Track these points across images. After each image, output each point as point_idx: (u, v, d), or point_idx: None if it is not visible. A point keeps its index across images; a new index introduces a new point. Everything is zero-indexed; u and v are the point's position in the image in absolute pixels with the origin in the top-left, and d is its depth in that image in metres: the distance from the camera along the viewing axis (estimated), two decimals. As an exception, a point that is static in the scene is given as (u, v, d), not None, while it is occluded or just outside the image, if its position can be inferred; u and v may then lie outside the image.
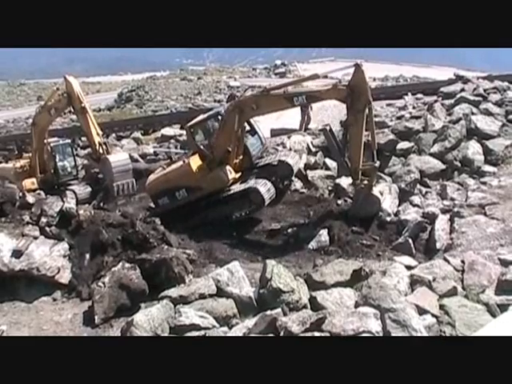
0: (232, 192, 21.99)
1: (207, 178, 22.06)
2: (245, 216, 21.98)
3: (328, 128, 20.80)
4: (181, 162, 22.96)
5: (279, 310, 12.91)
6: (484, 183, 21.54)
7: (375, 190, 19.97)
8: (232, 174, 22.17)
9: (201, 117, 23.69)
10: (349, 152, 19.86)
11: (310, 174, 24.98)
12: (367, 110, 19.04)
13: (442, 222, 18.38)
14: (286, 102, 20.49)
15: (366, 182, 19.77)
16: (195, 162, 22.48)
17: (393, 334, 11.12)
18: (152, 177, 23.99)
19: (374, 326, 11.34)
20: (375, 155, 19.89)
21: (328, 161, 25.76)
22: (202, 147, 22.90)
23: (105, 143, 28.95)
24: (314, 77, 21.16)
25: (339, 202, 22.09)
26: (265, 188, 21.22)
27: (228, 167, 22.11)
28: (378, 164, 19.94)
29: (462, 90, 29.67)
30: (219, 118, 22.52)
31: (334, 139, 20.54)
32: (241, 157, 22.87)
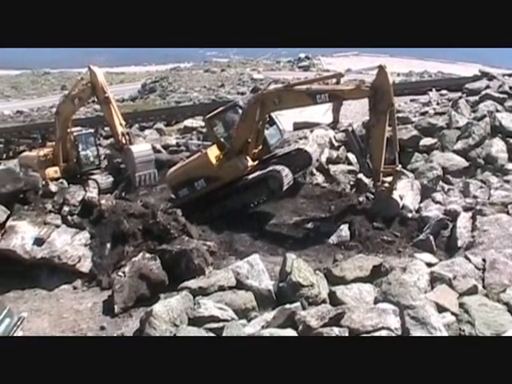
0: (250, 178, 21.98)
1: (225, 166, 22.11)
2: (263, 203, 21.99)
3: (350, 129, 20.78)
4: (199, 153, 23.01)
5: (298, 304, 12.92)
6: (507, 181, 21.41)
7: (395, 194, 19.79)
8: (250, 162, 22.17)
9: (220, 109, 23.69)
10: (370, 153, 19.75)
11: (332, 168, 24.93)
12: (389, 112, 18.95)
13: (463, 220, 18.27)
14: (308, 99, 20.42)
15: (386, 184, 19.66)
16: (213, 152, 22.56)
17: (411, 331, 11.08)
18: (172, 169, 24.09)
19: (393, 323, 11.32)
20: (397, 157, 19.78)
21: (350, 155, 25.64)
22: (221, 139, 22.93)
23: (128, 133, 29.01)
24: (338, 76, 21.09)
25: (361, 198, 21.92)
26: (283, 173, 21.17)
27: (245, 157, 22.11)
28: (399, 168, 19.81)
29: (487, 86, 29.45)
30: (238, 109, 22.55)
31: (356, 140, 20.43)
32: (260, 147, 22.84)
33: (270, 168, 21.71)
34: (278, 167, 21.52)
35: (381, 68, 18.97)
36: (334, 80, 21.15)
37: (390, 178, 19.61)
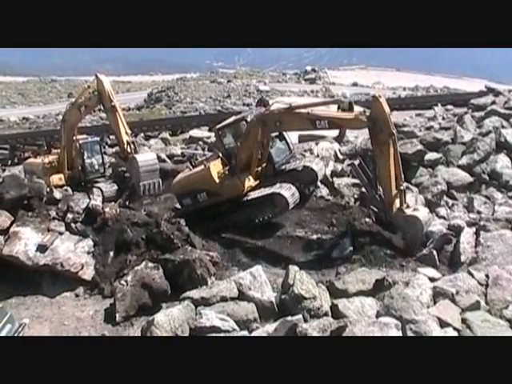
0: (256, 196, 21.92)
1: (225, 184, 22.09)
2: (268, 220, 21.93)
3: (357, 162, 20.13)
4: (202, 166, 22.96)
5: (300, 316, 12.93)
6: (512, 197, 21.38)
7: (409, 211, 18.88)
8: (250, 182, 22.11)
9: (230, 119, 23.67)
10: (380, 185, 19.31)
11: (337, 181, 24.84)
12: (392, 141, 18.45)
13: (467, 235, 18.23)
14: (308, 124, 20.20)
15: (397, 205, 18.94)
16: (215, 167, 22.46)
17: (413, 346, 11.04)
18: (179, 176, 24.07)
19: (395, 337, 11.30)
20: (402, 180, 19.19)
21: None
22: (228, 151, 22.88)
23: (133, 142, 29.00)
24: (338, 102, 20.76)
25: (367, 219, 21.57)
26: (289, 192, 21.13)
27: (248, 175, 22.08)
28: (404, 186, 19.08)
29: (493, 102, 29.43)
30: (246, 121, 22.52)
31: (364, 171, 19.77)
32: (264, 164, 22.77)
33: (277, 186, 21.62)
34: (285, 185, 21.46)
35: (375, 98, 18.63)
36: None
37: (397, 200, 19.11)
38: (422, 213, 18.90)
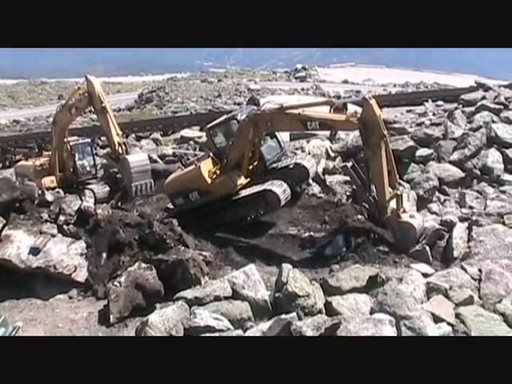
0: (248, 193, 21.99)
1: (216, 182, 22.21)
2: (260, 216, 22.01)
3: (350, 164, 20.04)
4: (193, 166, 22.99)
5: (294, 314, 12.90)
6: (503, 192, 21.41)
7: (405, 216, 18.71)
8: (241, 180, 22.22)
9: (220, 119, 23.72)
10: (374, 187, 19.18)
11: (329, 178, 24.86)
12: (384, 143, 18.36)
13: (459, 230, 18.25)
14: (300, 125, 20.29)
15: (392, 207, 18.83)
16: (206, 166, 22.57)
17: (408, 342, 11.06)
18: (171, 176, 24.15)
19: (389, 333, 11.32)
20: (397, 180, 19.22)
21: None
22: (220, 150, 22.91)
23: (124, 143, 28.97)
24: (329, 103, 20.72)
25: (359, 216, 21.45)
26: (281, 189, 21.18)
27: (239, 173, 22.14)
28: (400, 191, 19.00)
29: (483, 97, 29.47)
30: (236, 122, 22.55)
31: (357, 174, 19.59)
32: (255, 163, 22.79)
33: (269, 183, 21.71)
34: (277, 182, 21.53)
35: (365, 101, 18.47)
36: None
37: (393, 203, 18.89)
38: (418, 220, 18.82)
